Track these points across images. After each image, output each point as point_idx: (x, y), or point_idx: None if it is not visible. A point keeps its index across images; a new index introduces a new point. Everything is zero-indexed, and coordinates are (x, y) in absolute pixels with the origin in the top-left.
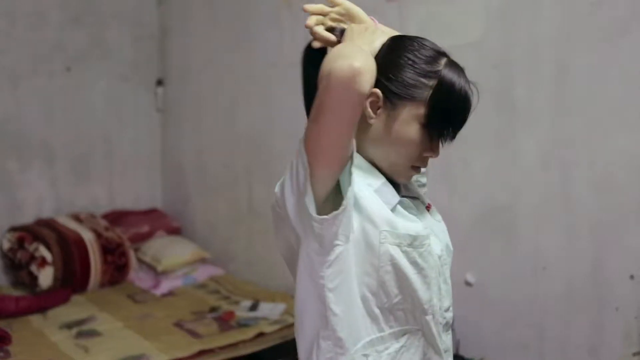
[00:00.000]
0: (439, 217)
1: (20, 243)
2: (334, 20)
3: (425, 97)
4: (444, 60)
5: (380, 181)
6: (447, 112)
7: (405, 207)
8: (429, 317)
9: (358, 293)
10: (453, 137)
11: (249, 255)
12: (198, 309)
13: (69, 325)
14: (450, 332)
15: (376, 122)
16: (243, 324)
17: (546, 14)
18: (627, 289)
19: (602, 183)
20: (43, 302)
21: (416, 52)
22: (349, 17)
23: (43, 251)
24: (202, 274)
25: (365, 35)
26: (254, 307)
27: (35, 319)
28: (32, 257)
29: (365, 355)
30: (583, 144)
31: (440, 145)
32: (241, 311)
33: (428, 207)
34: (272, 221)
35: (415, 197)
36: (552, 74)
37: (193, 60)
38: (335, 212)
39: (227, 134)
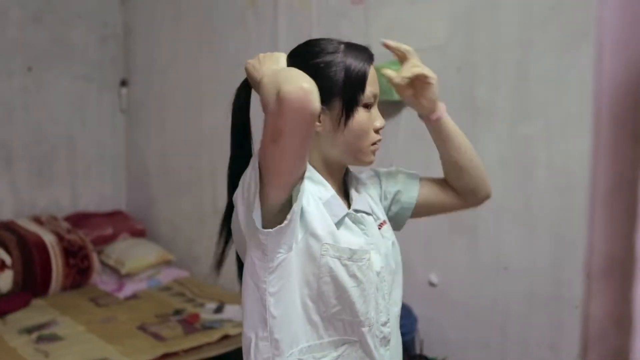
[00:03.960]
0: (389, 234)
1: None
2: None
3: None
4: (342, 45)
5: (329, 193)
6: (353, 77)
7: (353, 221)
8: (365, 329)
9: (299, 300)
10: (374, 101)
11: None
12: (162, 311)
13: (28, 330)
14: (388, 347)
15: (323, 128)
16: (208, 327)
17: (507, 18)
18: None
19: (560, 183)
20: (2, 306)
21: (318, 52)
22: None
23: (2, 254)
24: (167, 276)
25: (271, 58)
26: (219, 310)
27: None
28: None
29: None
30: (542, 145)
31: (378, 111)
32: (206, 313)
33: (381, 224)
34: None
35: (368, 213)
36: (512, 77)
37: (158, 60)
38: (279, 226)
39: (192, 135)
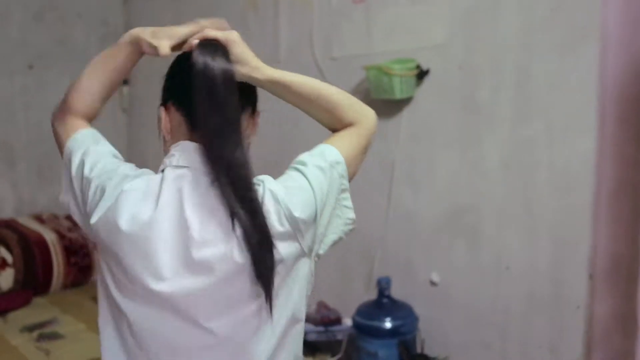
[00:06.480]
0: None
1: None
2: None
3: None
4: None
5: None
6: None
7: None
8: None
9: None
10: None
11: None
12: None
13: (29, 328)
14: None
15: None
16: None
17: (508, 18)
18: (587, 288)
19: (561, 184)
20: (3, 304)
21: None
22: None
23: (3, 252)
24: None
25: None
26: None
27: None
28: None
29: None
30: (543, 146)
31: None
32: None
33: None
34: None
35: None
36: (513, 78)
37: (159, 59)
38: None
39: None
